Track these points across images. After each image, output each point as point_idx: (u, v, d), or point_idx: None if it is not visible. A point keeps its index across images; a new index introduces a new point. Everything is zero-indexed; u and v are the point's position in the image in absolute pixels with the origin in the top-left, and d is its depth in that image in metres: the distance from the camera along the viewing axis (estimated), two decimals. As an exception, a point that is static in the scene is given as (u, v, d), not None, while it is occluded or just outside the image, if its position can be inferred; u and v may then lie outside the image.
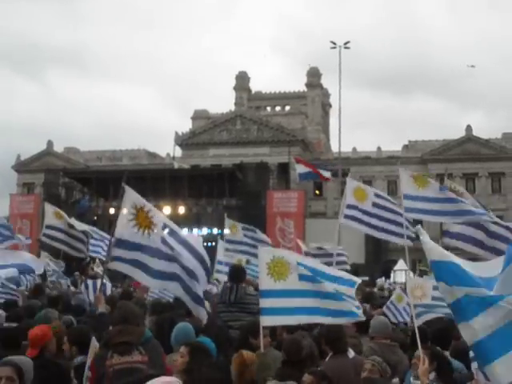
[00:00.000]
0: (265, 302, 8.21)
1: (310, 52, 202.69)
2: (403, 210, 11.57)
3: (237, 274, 11.77)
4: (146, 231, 9.17)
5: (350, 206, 13.49)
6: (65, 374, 7.38)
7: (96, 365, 6.58)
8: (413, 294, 9.31)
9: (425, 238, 5.14)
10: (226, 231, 19.60)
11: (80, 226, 16.41)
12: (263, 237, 19.90)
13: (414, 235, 13.73)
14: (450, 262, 4.78)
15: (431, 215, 11.83)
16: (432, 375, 6.93)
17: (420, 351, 7.38)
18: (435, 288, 9.04)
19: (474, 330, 4.36)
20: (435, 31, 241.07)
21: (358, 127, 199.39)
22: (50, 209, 16.26)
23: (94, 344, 7.35)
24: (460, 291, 4.53)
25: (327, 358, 8.23)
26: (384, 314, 14.17)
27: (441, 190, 11.82)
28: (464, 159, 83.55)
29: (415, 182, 11.61)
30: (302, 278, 8.30)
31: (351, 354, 8.24)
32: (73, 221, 16.48)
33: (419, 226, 5.47)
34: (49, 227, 15.74)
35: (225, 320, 10.93)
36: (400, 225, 13.75)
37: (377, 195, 13.91)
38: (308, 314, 8.32)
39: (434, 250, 4.95)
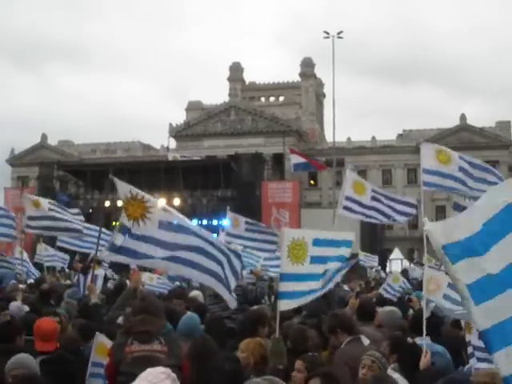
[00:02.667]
0: (283, 286, 8.28)
1: (308, 42, 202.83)
2: (422, 184, 11.51)
3: None
4: (138, 221, 9.17)
5: (348, 198, 13.53)
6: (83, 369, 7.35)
7: (115, 350, 6.60)
8: (427, 286, 9.13)
9: (428, 225, 4.79)
10: (227, 223, 19.40)
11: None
12: (269, 232, 19.78)
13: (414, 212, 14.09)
14: (461, 241, 4.32)
15: (449, 190, 11.84)
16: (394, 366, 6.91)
17: (424, 344, 7.35)
18: (450, 286, 8.84)
19: (491, 312, 4.01)
20: (436, 21, 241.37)
21: (355, 117, 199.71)
22: (28, 199, 15.96)
23: (100, 339, 7.33)
24: (480, 269, 4.13)
25: (343, 344, 8.16)
26: (380, 295, 14.42)
27: (460, 170, 11.74)
28: (459, 148, 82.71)
29: (438, 157, 11.57)
30: (312, 260, 8.33)
31: (366, 341, 8.21)
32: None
33: (425, 218, 5.10)
34: (30, 218, 15.50)
35: (213, 311, 10.96)
36: (398, 211, 14.00)
37: (374, 190, 14.07)
38: (313, 293, 8.45)
39: (443, 234, 4.56)
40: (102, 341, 7.35)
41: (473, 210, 4.72)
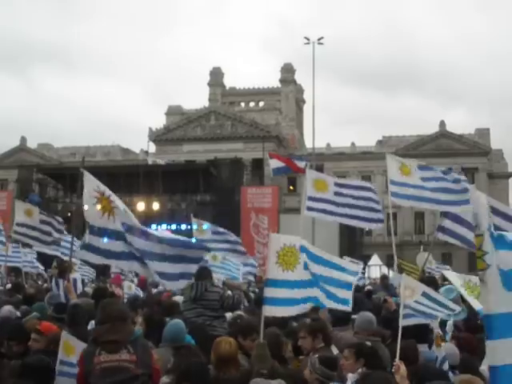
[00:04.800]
0: (269, 292, 8.23)
1: (291, 48, 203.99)
2: (389, 194, 11.53)
3: (198, 272, 11.71)
4: (110, 215, 9.39)
5: (311, 198, 13.31)
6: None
7: (84, 361, 6.57)
8: (403, 292, 9.14)
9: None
10: (194, 227, 19.28)
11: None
12: (234, 238, 19.73)
13: (382, 218, 13.89)
14: None
15: (415, 201, 11.82)
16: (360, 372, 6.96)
17: (397, 356, 7.41)
18: (424, 295, 8.80)
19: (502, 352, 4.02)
20: (418, 29, 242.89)
21: (336, 124, 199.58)
22: (20, 206, 16.14)
23: (66, 338, 7.34)
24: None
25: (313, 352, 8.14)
26: None
27: (424, 180, 11.72)
28: (438, 154, 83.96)
29: (400, 169, 11.64)
30: (305, 266, 8.33)
31: (335, 350, 8.22)
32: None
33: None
34: (19, 225, 15.61)
35: (188, 317, 10.92)
36: (367, 209, 13.82)
37: (337, 184, 13.80)
38: (306, 302, 8.42)
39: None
40: (67, 339, 7.37)
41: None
